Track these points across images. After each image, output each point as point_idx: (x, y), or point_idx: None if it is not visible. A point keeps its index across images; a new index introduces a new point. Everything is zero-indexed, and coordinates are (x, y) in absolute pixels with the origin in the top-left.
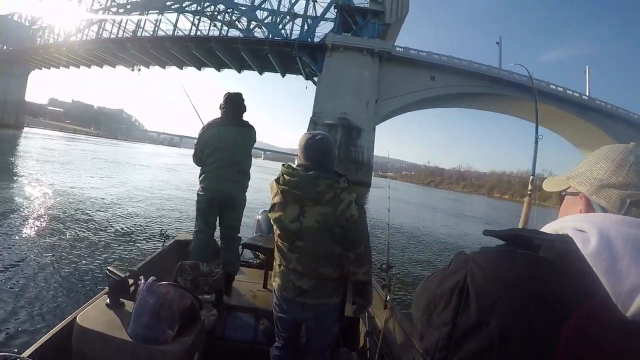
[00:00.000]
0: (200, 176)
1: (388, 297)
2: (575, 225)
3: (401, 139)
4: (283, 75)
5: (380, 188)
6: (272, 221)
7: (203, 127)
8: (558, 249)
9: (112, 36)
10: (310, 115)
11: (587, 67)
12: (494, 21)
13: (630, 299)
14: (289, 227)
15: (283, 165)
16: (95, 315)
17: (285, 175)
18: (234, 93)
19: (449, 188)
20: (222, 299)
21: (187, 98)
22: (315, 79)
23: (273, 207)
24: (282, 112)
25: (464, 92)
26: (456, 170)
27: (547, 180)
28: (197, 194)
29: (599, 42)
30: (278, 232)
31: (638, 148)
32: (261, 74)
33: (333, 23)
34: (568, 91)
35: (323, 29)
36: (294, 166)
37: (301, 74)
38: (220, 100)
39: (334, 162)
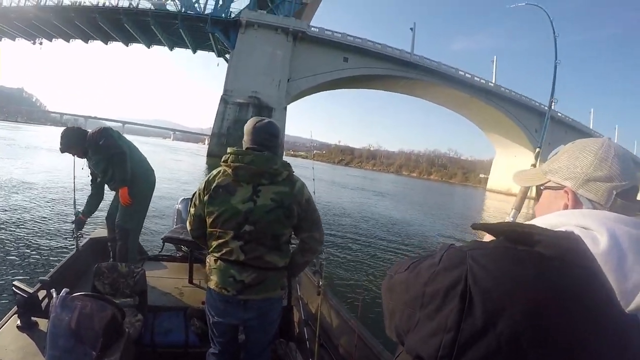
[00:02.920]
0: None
1: (320, 283)
2: (578, 223)
3: (313, 119)
4: (194, 52)
5: (294, 167)
6: (209, 208)
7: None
8: (565, 246)
9: (13, 4)
10: (221, 94)
11: (495, 57)
12: (411, 6)
13: (632, 295)
14: (239, 209)
15: (230, 147)
16: (5, 341)
17: (237, 155)
18: None
19: (359, 166)
20: (146, 301)
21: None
22: (228, 56)
23: (217, 191)
24: (192, 91)
25: (376, 74)
26: (366, 149)
27: (518, 175)
28: None
29: (506, 35)
30: (218, 218)
31: (613, 142)
32: (172, 50)
33: None
34: (476, 78)
35: (238, 4)
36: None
37: (213, 51)
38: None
39: (280, 149)
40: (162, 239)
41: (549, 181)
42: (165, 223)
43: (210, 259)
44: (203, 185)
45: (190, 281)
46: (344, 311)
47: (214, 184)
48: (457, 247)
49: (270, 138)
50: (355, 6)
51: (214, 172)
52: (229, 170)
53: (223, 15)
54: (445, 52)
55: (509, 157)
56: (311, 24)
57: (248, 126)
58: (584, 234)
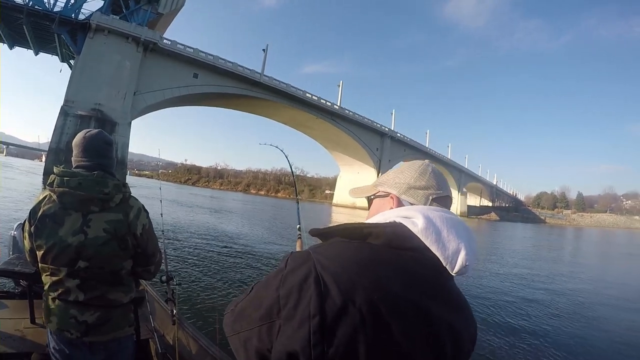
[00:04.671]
0: None
1: (175, 312)
2: (399, 214)
3: (158, 136)
4: (36, 54)
5: (135, 187)
6: (37, 241)
7: None
8: (390, 232)
9: None
10: (62, 104)
11: (341, 81)
12: (265, 29)
13: (454, 259)
14: (69, 243)
15: (56, 166)
16: None
17: (63, 177)
18: None
19: (206, 186)
20: None
21: None
22: (73, 62)
23: (43, 221)
24: (28, 99)
25: (226, 93)
26: (213, 168)
27: (353, 190)
28: None
29: (353, 64)
30: (48, 254)
31: (431, 164)
32: (11, 48)
33: (103, 2)
34: (322, 100)
35: (91, 5)
36: (73, 168)
37: (57, 55)
38: None
39: (114, 162)
40: None
41: (379, 191)
42: None
43: (47, 298)
44: (29, 215)
45: (33, 321)
46: (203, 339)
47: (40, 213)
48: (299, 250)
49: (105, 147)
50: (211, 19)
51: (40, 197)
52: (54, 197)
53: (73, 15)
54: (296, 74)
55: (353, 174)
56: (164, 36)
57: (77, 139)
58: (405, 221)
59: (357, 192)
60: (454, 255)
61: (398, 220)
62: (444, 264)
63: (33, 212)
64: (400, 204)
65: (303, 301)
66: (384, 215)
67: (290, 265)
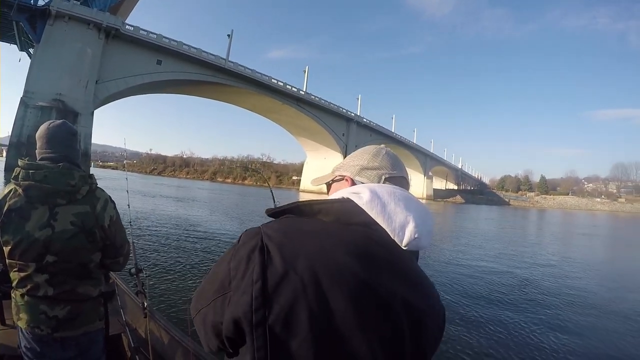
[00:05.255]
0: None
1: (146, 304)
2: (349, 191)
3: (122, 126)
4: None
5: (100, 179)
6: (4, 236)
7: None
8: (338, 207)
9: None
10: (21, 95)
11: (307, 67)
12: (230, 12)
13: (402, 232)
14: (37, 237)
15: (21, 159)
16: None
17: (28, 170)
18: None
19: (173, 175)
20: None
21: None
22: (32, 50)
23: (9, 216)
24: None
25: (190, 80)
26: (179, 157)
27: (314, 179)
28: None
29: (319, 49)
30: (15, 249)
31: (387, 147)
32: None
33: None
34: (288, 85)
35: None
36: (37, 160)
37: (15, 43)
38: None
39: (79, 153)
40: None
41: (336, 176)
42: None
43: (16, 294)
44: None
45: (3, 322)
46: (175, 331)
47: (5, 208)
48: (251, 227)
49: (70, 137)
50: (173, 6)
51: (5, 191)
52: (20, 190)
53: (32, 1)
54: (262, 60)
55: (320, 159)
56: (126, 22)
57: (41, 131)
58: (353, 196)
59: (318, 180)
60: (401, 228)
61: (346, 196)
62: (392, 237)
63: None
64: (354, 184)
65: (249, 270)
66: (336, 193)
67: (242, 240)
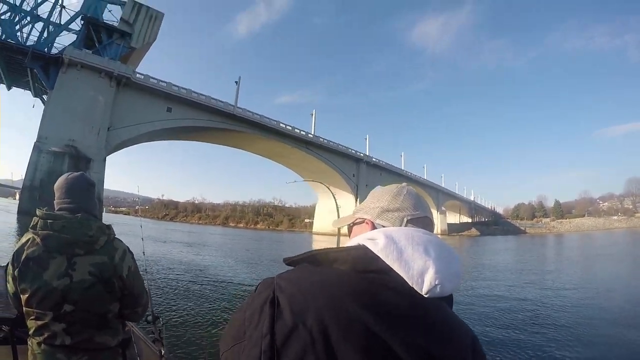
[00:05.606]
0: None
1: (163, 352)
2: (366, 237)
3: (133, 172)
4: (9, 88)
5: (115, 225)
6: (21, 285)
7: None
8: (354, 255)
9: None
10: (35, 140)
11: (314, 110)
12: (237, 60)
13: (420, 280)
14: (55, 286)
15: (39, 208)
16: None
17: (46, 220)
18: None
19: (185, 220)
20: None
21: None
22: (45, 97)
23: (27, 265)
24: (2, 135)
25: (200, 126)
26: (191, 203)
27: (334, 222)
28: None
29: (326, 92)
30: (32, 298)
31: (408, 186)
32: None
33: (76, 36)
34: (296, 129)
35: (63, 40)
36: (55, 211)
37: (29, 89)
38: None
39: (97, 205)
40: None
41: (357, 219)
42: None
43: (32, 343)
44: (12, 258)
45: None
46: None
47: (23, 256)
48: (267, 277)
49: (88, 188)
50: (183, 54)
51: (23, 239)
52: (38, 239)
53: (45, 49)
54: (269, 105)
55: (331, 201)
56: (136, 70)
57: (60, 182)
58: (368, 243)
59: (339, 222)
60: (419, 275)
61: (362, 242)
62: (410, 284)
63: (17, 255)
64: (374, 228)
65: (260, 323)
66: (353, 239)
67: (258, 290)
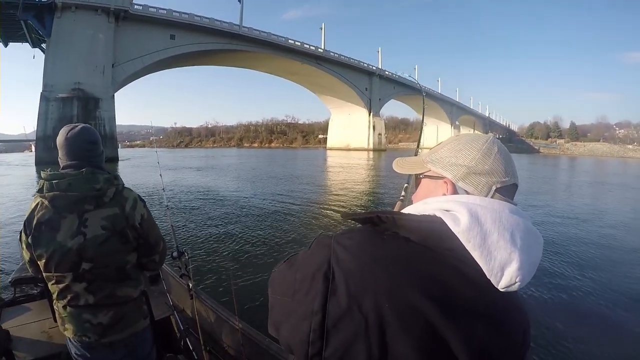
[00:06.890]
0: None
1: (191, 285)
2: (441, 207)
3: (146, 104)
4: (5, 45)
5: (129, 160)
6: (37, 250)
7: None
8: (426, 228)
9: None
10: (41, 90)
11: (323, 24)
12: None
13: (500, 274)
14: (69, 246)
15: (43, 171)
16: None
17: (51, 181)
18: None
19: (200, 146)
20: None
21: None
22: (44, 45)
23: (39, 229)
24: (6, 92)
25: (206, 50)
26: (204, 127)
27: (398, 162)
28: None
29: (336, 3)
30: (50, 262)
31: (497, 140)
32: None
33: None
34: (305, 45)
35: None
36: (60, 169)
37: (27, 42)
38: None
39: (103, 156)
40: (9, 282)
41: (429, 170)
42: (11, 255)
43: (58, 306)
44: (24, 226)
45: (55, 319)
46: (222, 310)
47: (35, 221)
48: (326, 234)
49: (89, 147)
50: None
51: (32, 204)
52: (46, 202)
53: None
54: (277, 22)
55: (344, 116)
56: (134, 1)
57: (59, 139)
58: (445, 215)
59: (404, 166)
60: (500, 268)
61: (438, 214)
62: (488, 276)
63: (27, 221)
64: (454, 191)
65: (310, 294)
66: (424, 204)
67: (312, 250)
